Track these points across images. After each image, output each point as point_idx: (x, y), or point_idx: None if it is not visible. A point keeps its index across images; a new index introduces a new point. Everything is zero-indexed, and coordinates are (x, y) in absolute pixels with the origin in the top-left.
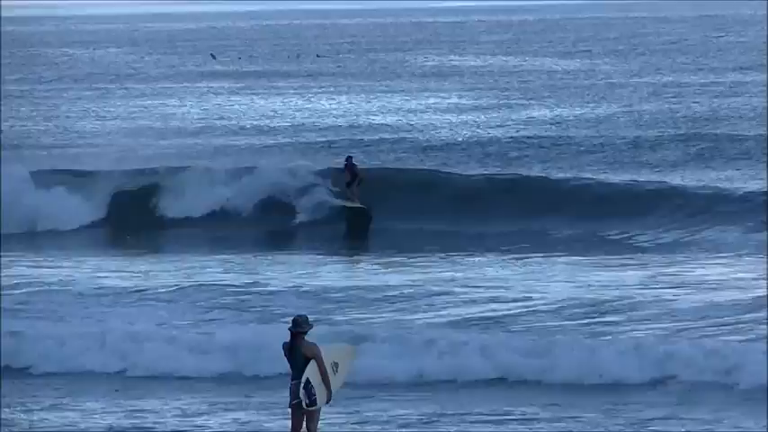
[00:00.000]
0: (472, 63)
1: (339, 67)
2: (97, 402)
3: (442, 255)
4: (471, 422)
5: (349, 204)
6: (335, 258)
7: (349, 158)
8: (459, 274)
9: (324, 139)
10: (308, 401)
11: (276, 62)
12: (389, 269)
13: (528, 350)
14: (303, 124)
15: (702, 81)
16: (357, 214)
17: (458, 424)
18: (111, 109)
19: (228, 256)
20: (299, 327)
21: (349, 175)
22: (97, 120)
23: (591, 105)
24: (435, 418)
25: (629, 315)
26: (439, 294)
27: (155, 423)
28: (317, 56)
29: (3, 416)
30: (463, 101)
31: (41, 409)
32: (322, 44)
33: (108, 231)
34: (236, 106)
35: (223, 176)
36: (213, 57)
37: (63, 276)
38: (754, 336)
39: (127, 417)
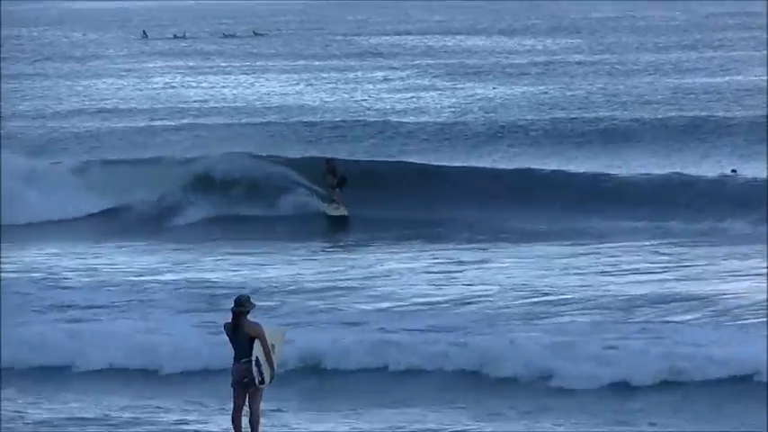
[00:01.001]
0: (414, 42)
1: (280, 45)
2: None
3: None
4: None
5: (332, 212)
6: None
7: (330, 160)
8: (402, 265)
9: (263, 121)
10: (260, 379)
11: (211, 41)
12: (343, 257)
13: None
14: (242, 106)
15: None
16: (337, 221)
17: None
18: (39, 89)
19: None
20: (242, 306)
21: (332, 178)
22: (25, 100)
23: (537, 86)
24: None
25: (568, 305)
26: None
27: None
28: (255, 33)
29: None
30: (410, 80)
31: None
32: (260, 21)
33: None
34: (171, 88)
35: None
36: (145, 34)
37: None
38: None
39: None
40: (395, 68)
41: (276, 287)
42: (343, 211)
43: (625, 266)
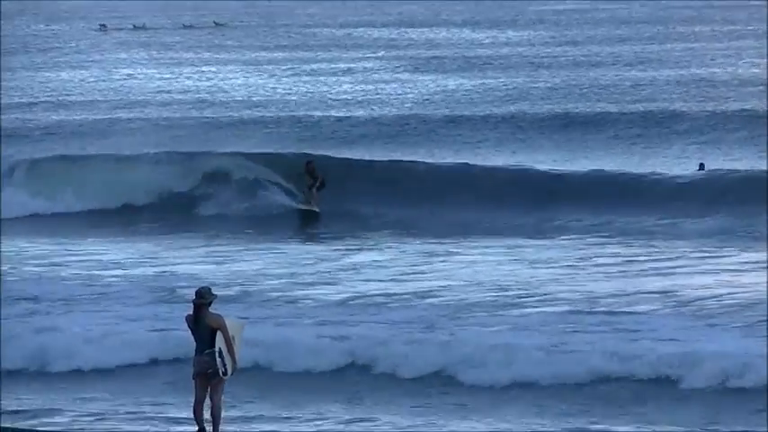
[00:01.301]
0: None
1: (242, 36)
2: None
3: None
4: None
5: (303, 207)
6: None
7: (310, 162)
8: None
9: (225, 116)
10: (223, 370)
11: (172, 32)
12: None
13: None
14: (203, 101)
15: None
16: (308, 216)
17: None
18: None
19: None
20: (203, 297)
21: (310, 179)
22: None
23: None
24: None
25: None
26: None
27: None
28: (216, 23)
29: None
30: (373, 73)
31: None
32: (220, 11)
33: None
34: (129, 81)
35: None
36: (103, 27)
37: None
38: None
39: None
40: (358, 60)
41: (239, 280)
42: (314, 208)
43: (585, 262)
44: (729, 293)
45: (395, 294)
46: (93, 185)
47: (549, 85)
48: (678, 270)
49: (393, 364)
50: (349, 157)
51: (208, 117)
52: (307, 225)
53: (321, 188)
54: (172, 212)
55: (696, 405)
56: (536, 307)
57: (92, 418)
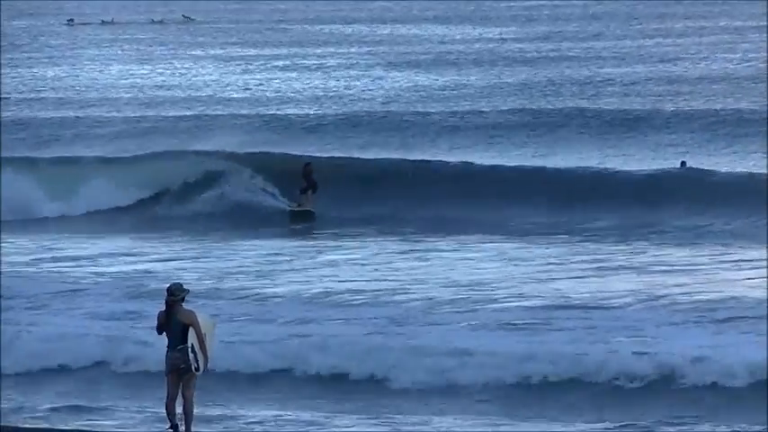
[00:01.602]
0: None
1: (213, 32)
2: None
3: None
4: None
5: (295, 208)
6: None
7: (308, 164)
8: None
9: (197, 113)
10: (196, 366)
11: (140, 27)
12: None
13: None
14: (173, 96)
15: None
16: (299, 215)
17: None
18: None
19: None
20: (174, 295)
21: (305, 182)
22: None
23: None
24: None
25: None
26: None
27: None
28: (184, 17)
29: None
30: (344, 70)
31: None
32: (189, 6)
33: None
34: (97, 76)
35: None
36: (70, 21)
37: None
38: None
39: None
40: (329, 56)
41: (211, 277)
42: (306, 208)
43: (556, 261)
44: (704, 291)
45: (352, 292)
46: (65, 186)
47: (520, 80)
48: (652, 268)
49: (330, 366)
50: (321, 155)
51: (179, 114)
52: (286, 222)
53: (314, 190)
54: (143, 212)
55: (652, 402)
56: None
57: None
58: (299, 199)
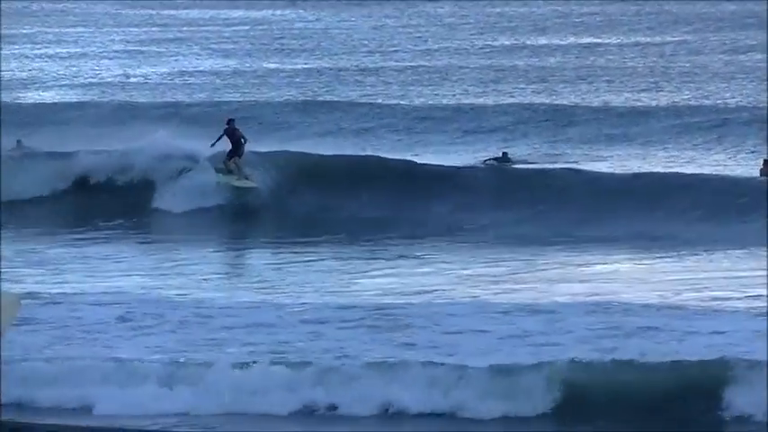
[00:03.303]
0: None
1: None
2: None
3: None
4: None
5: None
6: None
7: (230, 121)
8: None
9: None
10: None
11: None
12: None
13: None
14: (63, 84)
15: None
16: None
17: None
18: None
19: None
20: None
21: (230, 143)
22: None
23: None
24: None
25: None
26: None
27: None
28: None
29: None
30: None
31: None
32: None
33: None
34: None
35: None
36: None
37: None
38: None
39: None
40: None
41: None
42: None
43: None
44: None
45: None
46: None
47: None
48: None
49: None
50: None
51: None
52: (239, 219)
53: (239, 151)
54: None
55: None
56: None
57: None
58: (227, 165)
